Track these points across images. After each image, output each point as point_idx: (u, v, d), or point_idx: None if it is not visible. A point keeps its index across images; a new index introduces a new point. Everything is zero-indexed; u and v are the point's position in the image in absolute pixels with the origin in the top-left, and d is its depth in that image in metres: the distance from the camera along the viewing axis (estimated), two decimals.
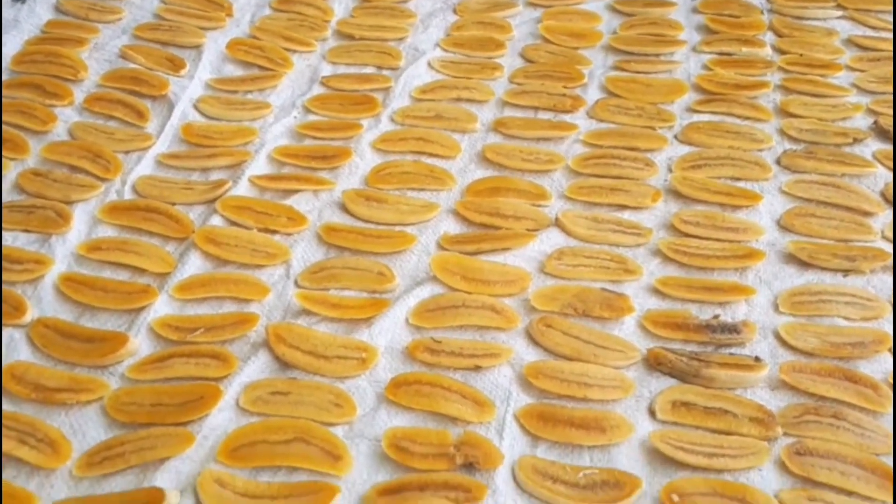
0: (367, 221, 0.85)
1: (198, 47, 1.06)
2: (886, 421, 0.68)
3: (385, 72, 1.05)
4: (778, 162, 0.92)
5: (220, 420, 0.67)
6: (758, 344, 0.74)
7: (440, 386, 0.69)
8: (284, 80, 1.03)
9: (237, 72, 1.05)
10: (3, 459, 0.64)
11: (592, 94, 1.01)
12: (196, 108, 0.98)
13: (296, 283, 0.79)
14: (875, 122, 0.97)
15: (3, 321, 0.74)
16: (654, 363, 0.72)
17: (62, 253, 0.81)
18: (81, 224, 0.84)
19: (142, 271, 0.79)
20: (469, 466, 0.64)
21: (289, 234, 0.83)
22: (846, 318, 0.76)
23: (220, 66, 1.05)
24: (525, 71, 1.05)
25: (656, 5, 1.16)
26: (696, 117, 0.98)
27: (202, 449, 0.65)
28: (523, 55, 1.08)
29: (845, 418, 0.68)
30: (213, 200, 0.86)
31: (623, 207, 0.87)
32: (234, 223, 0.84)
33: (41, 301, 0.76)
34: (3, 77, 0.99)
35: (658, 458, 0.65)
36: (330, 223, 0.85)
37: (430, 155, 0.93)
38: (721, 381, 0.70)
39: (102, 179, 0.88)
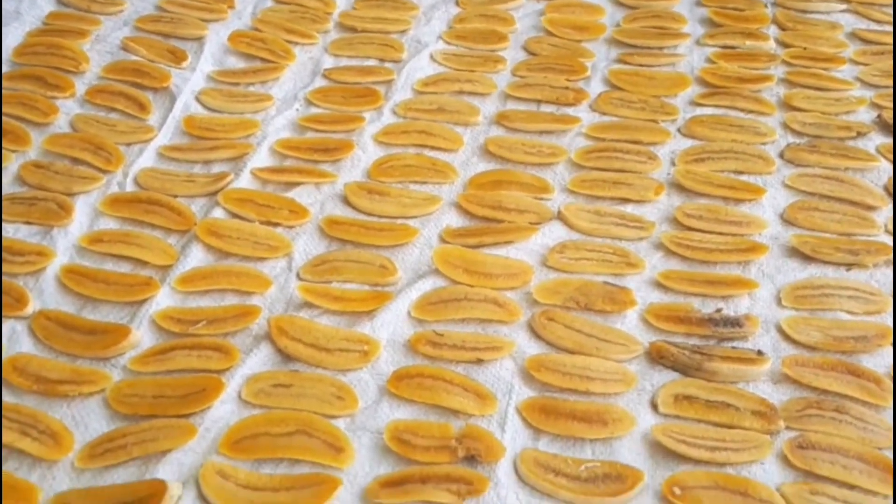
0: (369, 214, 0.85)
1: (200, 39, 1.06)
2: (889, 415, 0.68)
3: (387, 64, 1.05)
4: (781, 155, 0.92)
5: (223, 412, 0.67)
6: (760, 338, 0.74)
7: (442, 379, 0.69)
8: (286, 73, 1.03)
9: (239, 64, 1.04)
10: (6, 451, 0.64)
11: (595, 87, 1.01)
12: (198, 100, 0.98)
13: (298, 275, 0.79)
14: (879, 116, 0.96)
15: (6, 313, 0.74)
16: (657, 357, 0.72)
17: (64, 245, 0.81)
18: (83, 216, 0.84)
19: (144, 263, 0.79)
20: (471, 459, 0.64)
21: (291, 227, 0.83)
22: (849, 312, 0.76)
23: (222, 58, 1.05)
24: (528, 64, 1.05)
25: None
26: (699, 110, 0.98)
27: (204, 441, 0.65)
28: (526, 48, 1.08)
29: (848, 412, 0.68)
30: (215, 193, 0.86)
31: (626, 201, 0.87)
32: (236, 216, 0.84)
33: (43, 293, 0.76)
34: (5, 69, 0.99)
35: (660, 451, 0.65)
36: (332, 216, 0.84)
37: (433, 148, 0.93)
38: (723, 374, 0.70)
39: (104, 171, 0.88)
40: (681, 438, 0.65)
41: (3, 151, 0.89)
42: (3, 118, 0.92)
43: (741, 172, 0.90)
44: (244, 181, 0.87)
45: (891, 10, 1.13)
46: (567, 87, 1.00)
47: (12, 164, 0.88)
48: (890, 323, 0.75)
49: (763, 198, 0.87)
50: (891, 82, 1.01)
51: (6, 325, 0.73)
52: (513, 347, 0.72)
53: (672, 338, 0.74)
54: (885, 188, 0.88)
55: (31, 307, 0.75)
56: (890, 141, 0.93)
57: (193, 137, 0.93)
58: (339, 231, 0.83)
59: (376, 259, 0.80)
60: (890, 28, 1.10)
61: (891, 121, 0.95)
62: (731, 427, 0.67)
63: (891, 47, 1.07)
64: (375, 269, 0.79)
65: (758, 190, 0.88)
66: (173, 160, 0.91)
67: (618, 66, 1.05)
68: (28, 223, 0.82)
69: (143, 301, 0.75)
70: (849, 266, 0.80)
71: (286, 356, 0.71)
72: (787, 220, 0.85)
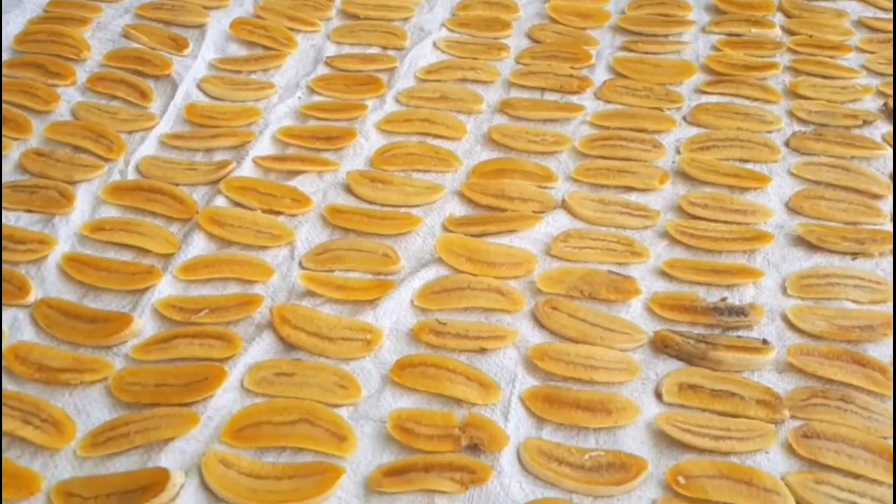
0: (371, 203, 0.85)
1: (201, 27, 1.05)
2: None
3: (390, 52, 1.04)
4: (787, 144, 0.92)
5: (225, 401, 0.67)
6: (765, 327, 0.74)
7: (445, 368, 0.69)
8: (288, 61, 1.02)
9: (241, 52, 1.04)
10: (8, 440, 0.64)
11: (600, 75, 1.01)
12: (199, 88, 0.98)
13: (300, 264, 0.78)
14: (885, 104, 0.96)
15: (8, 301, 0.74)
16: (661, 346, 0.72)
17: (65, 233, 0.80)
18: (85, 204, 0.83)
19: (146, 252, 0.79)
20: (474, 448, 0.64)
21: (293, 216, 0.83)
22: (854, 302, 0.76)
23: (224, 46, 1.04)
24: (532, 51, 1.04)
25: None
26: (704, 98, 0.97)
27: (207, 429, 0.65)
28: (530, 35, 1.07)
29: (853, 401, 0.67)
30: (217, 181, 0.85)
31: (630, 189, 0.86)
32: (238, 204, 0.84)
33: (45, 281, 0.76)
34: (6, 56, 0.99)
35: (664, 440, 0.65)
36: (334, 204, 0.84)
37: (436, 136, 0.92)
38: (728, 363, 0.70)
39: (105, 160, 0.88)
40: (685, 427, 0.65)
41: (5, 140, 0.89)
42: (5, 106, 0.92)
43: (746, 161, 0.89)
44: (246, 169, 0.87)
45: None
46: (571, 75, 1.00)
47: (13, 152, 0.88)
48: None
49: (768, 186, 0.86)
50: None
51: (8, 313, 0.73)
52: (516, 336, 0.72)
53: (677, 327, 0.73)
54: (891, 177, 0.87)
55: (33, 295, 0.74)
56: None
57: (195, 125, 0.93)
58: (342, 220, 0.82)
59: (379, 248, 0.79)
60: None
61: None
62: (735, 416, 0.67)
63: None
64: (378, 258, 0.79)
65: (763, 178, 0.87)
66: (175, 148, 0.90)
67: (622, 53, 1.04)
68: (29, 211, 0.82)
69: (145, 289, 0.75)
70: (854, 255, 0.80)
71: (288, 345, 0.71)
72: (792, 209, 0.84)
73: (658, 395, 0.68)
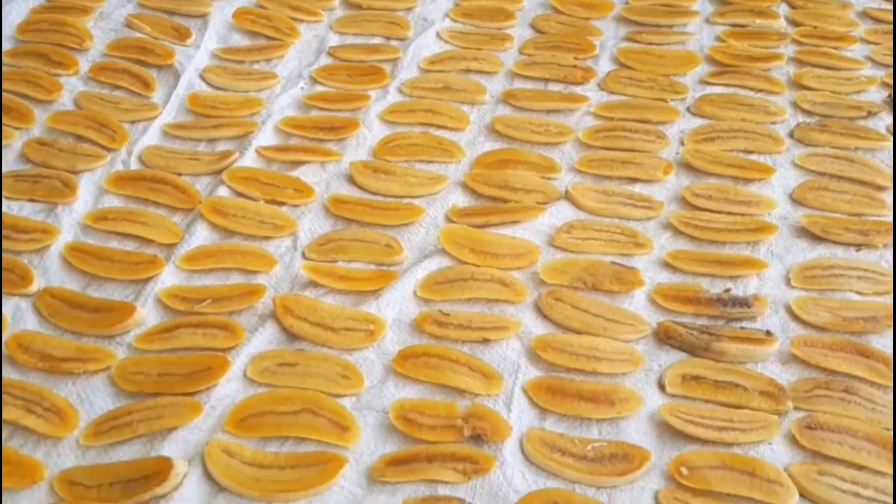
0: (374, 193, 0.85)
1: (204, 16, 1.05)
2: None
3: (393, 42, 1.04)
4: (791, 135, 0.91)
5: (228, 390, 0.67)
6: (769, 318, 0.73)
7: (448, 358, 0.69)
8: (291, 51, 1.02)
9: (244, 41, 1.04)
10: (11, 429, 0.64)
11: (604, 66, 1.00)
12: (202, 77, 0.97)
13: (303, 254, 0.78)
14: (889, 96, 0.95)
15: (11, 291, 0.74)
16: (664, 337, 0.72)
17: (68, 223, 0.80)
18: (87, 194, 0.83)
19: (148, 242, 0.79)
20: (477, 438, 0.64)
21: (296, 206, 0.83)
22: (858, 293, 0.75)
23: (227, 36, 1.04)
24: (535, 42, 1.04)
25: None
26: (708, 89, 0.97)
27: (210, 419, 0.65)
28: (534, 26, 1.07)
29: (856, 393, 0.67)
30: (220, 171, 0.85)
31: (634, 180, 0.86)
32: (240, 194, 0.83)
33: (48, 271, 0.76)
34: (9, 46, 0.98)
35: (667, 431, 0.65)
36: (337, 195, 0.84)
37: (439, 127, 0.92)
38: (731, 354, 0.70)
39: (108, 149, 0.88)
40: (688, 418, 0.65)
41: (7, 129, 0.88)
42: (7, 95, 0.92)
43: (750, 152, 0.89)
44: (249, 160, 0.87)
45: None
46: (575, 66, 0.99)
47: (16, 142, 0.88)
48: None
49: (772, 177, 0.86)
50: None
51: (11, 302, 0.73)
52: (519, 327, 0.72)
53: (680, 318, 0.73)
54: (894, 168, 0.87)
55: (36, 285, 0.75)
56: None
57: (198, 115, 0.93)
58: (345, 210, 0.82)
59: (382, 238, 0.79)
60: None
61: None
62: (738, 407, 0.66)
63: None
64: (381, 249, 0.78)
65: (767, 169, 0.87)
66: (178, 138, 0.90)
67: (626, 44, 1.04)
68: (32, 201, 0.82)
69: (148, 279, 0.75)
70: (858, 246, 0.80)
71: (291, 335, 0.71)
72: (796, 200, 0.84)
73: (661, 386, 0.68)
